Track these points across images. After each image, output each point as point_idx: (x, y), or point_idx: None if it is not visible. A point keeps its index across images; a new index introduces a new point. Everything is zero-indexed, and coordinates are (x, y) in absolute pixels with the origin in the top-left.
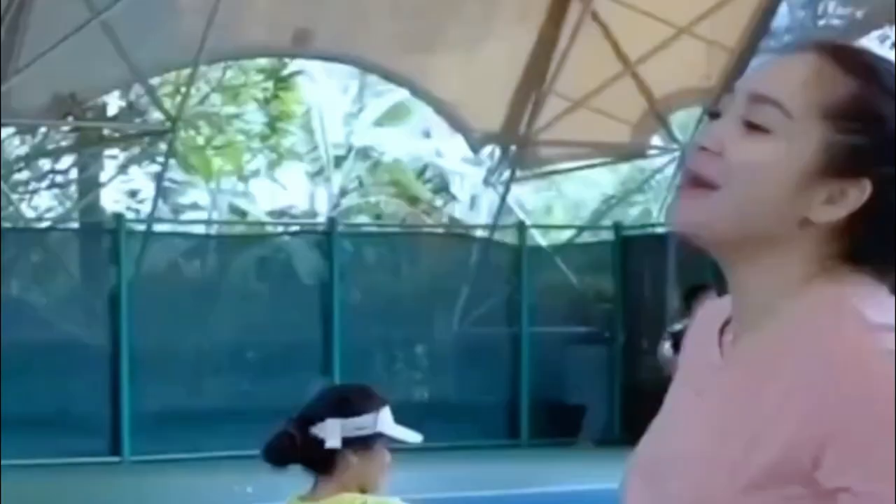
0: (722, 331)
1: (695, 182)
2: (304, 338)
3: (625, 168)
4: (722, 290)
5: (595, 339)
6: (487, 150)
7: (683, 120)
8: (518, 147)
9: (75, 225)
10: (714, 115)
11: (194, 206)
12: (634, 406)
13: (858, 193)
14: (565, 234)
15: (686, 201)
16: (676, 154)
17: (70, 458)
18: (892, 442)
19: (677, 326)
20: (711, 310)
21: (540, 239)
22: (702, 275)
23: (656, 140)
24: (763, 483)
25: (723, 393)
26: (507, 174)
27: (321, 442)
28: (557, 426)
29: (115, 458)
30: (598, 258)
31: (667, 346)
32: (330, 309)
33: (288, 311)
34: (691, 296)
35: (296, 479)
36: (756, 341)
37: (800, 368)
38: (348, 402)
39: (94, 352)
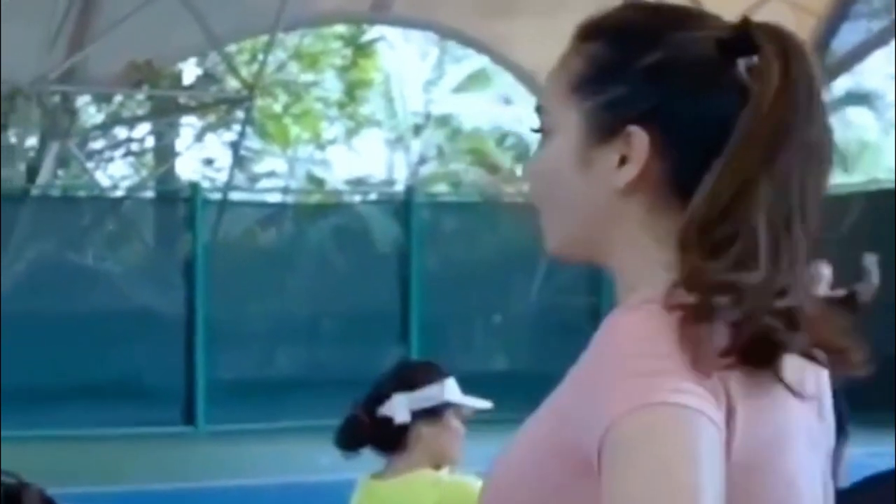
0: None
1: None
2: (381, 307)
3: None
4: None
5: None
6: None
7: None
8: None
9: (151, 194)
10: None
11: (271, 175)
12: None
13: (638, 139)
14: None
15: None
16: None
17: (144, 427)
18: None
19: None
20: None
21: None
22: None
23: None
24: (569, 483)
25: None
26: None
27: (390, 420)
28: None
29: (189, 428)
30: None
31: None
32: (407, 278)
33: (365, 281)
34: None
35: (369, 452)
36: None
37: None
38: (411, 375)
39: (169, 321)
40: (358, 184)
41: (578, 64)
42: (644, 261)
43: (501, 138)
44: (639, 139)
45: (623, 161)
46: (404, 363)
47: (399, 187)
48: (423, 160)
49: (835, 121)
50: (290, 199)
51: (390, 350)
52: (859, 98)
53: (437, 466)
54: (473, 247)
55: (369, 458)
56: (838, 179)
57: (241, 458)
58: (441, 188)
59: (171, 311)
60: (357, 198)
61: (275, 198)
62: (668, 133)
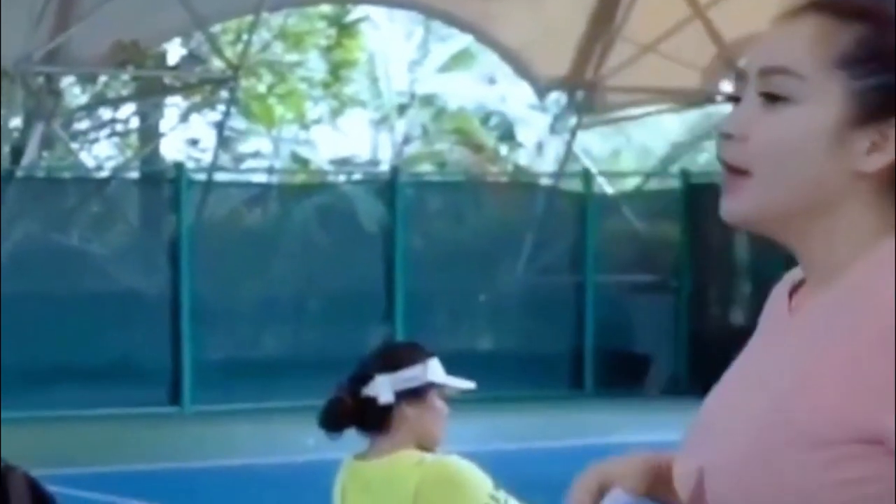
0: (792, 294)
1: (731, 171)
2: (366, 287)
3: (693, 114)
4: None
5: (661, 288)
6: (553, 96)
7: None
8: (585, 93)
9: (136, 174)
10: (734, 99)
11: (256, 155)
12: (701, 356)
13: None
14: (632, 182)
15: (727, 194)
16: None
17: (130, 408)
18: None
19: None
20: (788, 277)
21: (606, 186)
22: None
23: (726, 86)
24: (830, 438)
25: (787, 349)
26: (573, 121)
27: (374, 400)
28: (622, 376)
29: (175, 409)
30: (664, 206)
31: None
32: (392, 258)
33: (350, 260)
34: None
35: (354, 432)
36: (822, 301)
37: (855, 327)
38: (395, 356)
39: (155, 302)
40: (343, 164)
41: (846, 42)
42: (859, 236)
43: (486, 118)
44: None
45: (874, 147)
46: (388, 344)
47: (384, 167)
48: (407, 140)
49: None
50: (274, 179)
51: (375, 329)
52: None
53: (421, 447)
54: (458, 226)
55: (355, 438)
56: None
57: (228, 438)
58: (426, 168)
59: (157, 292)
60: (342, 178)
61: (260, 178)
62: None
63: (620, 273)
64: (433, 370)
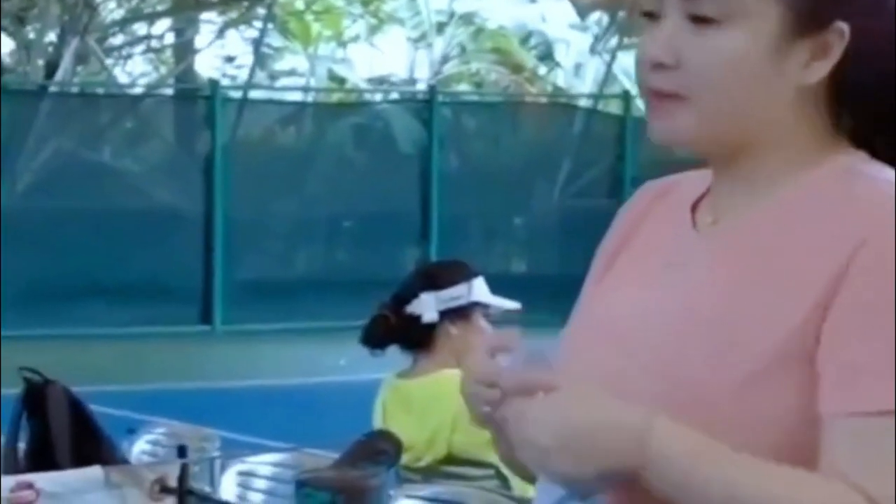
0: (693, 210)
1: (658, 96)
2: (401, 207)
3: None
4: None
5: None
6: (594, 16)
7: None
8: (626, 13)
9: (170, 91)
10: (648, 14)
11: (291, 73)
12: None
13: (840, 36)
14: None
15: (657, 119)
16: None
17: (161, 326)
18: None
19: None
20: (659, 187)
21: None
22: None
23: None
24: (770, 368)
25: (712, 267)
26: (613, 42)
27: (418, 318)
28: None
29: (207, 327)
30: None
31: None
32: (428, 178)
33: (385, 180)
34: None
35: (392, 353)
36: (757, 215)
37: (814, 235)
38: (439, 275)
39: (188, 220)
40: (380, 83)
41: None
42: (794, 150)
43: (525, 37)
44: (841, 36)
45: (814, 57)
46: (432, 263)
47: (421, 86)
48: (445, 59)
49: None
50: (310, 97)
51: (410, 251)
52: None
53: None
54: (495, 147)
55: (387, 358)
56: None
57: (259, 357)
58: (464, 87)
59: (190, 211)
60: (378, 97)
61: (295, 96)
62: (859, 36)
63: None
64: (478, 290)
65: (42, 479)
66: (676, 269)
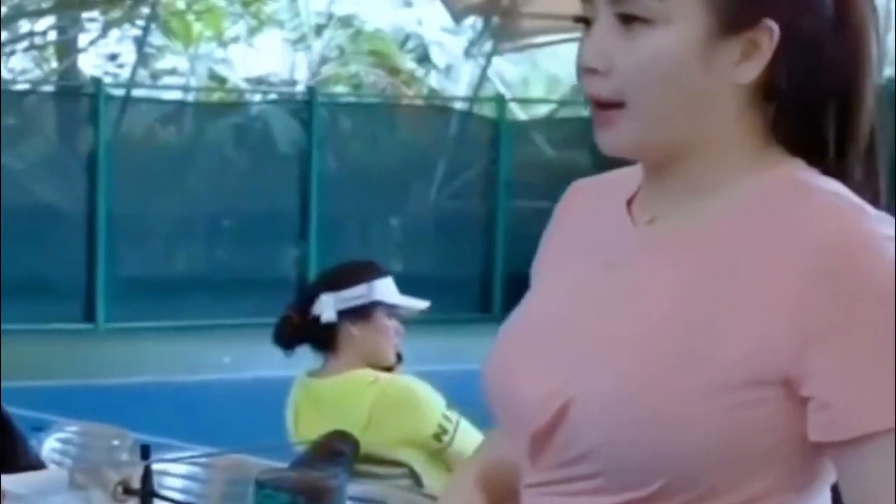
0: (628, 207)
1: (599, 105)
2: (280, 207)
3: None
4: None
5: None
6: (469, 20)
7: None
8: (500, 19)
9: (53, 88)
10: (582, 20)
11: (173, 72)
12: None
13: (769, 35)
14: (544, 109)
15: (602, 127)
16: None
17: (44, 324)
18: (892, 349)
19: None
20: (593, 187)
21: (519, 113)
22: None
23: None
24: (733, 382)
25: (658, 268)
26: (488, 46)
27: (318, 319)
28: None
29: (89, 325)
30: (576, 133)
31: None
32: (307, 178)
33: (265, 180)
34: None
35: (268, 352)
36: (702, 218)
37: (772, 248)
38: (339, 275)
39: (70, 217)
40: (259, 83)
41: None
42: (734, 150)
43: (403, 41)
44: (770, 34)
45: (744, 56)
46: (337, 264)
47: (300, 87)
48: (324, 60)
49: None
50: (191, 97)
51: (289, 250)
52: None
53: (373, 365)
54: (373, 148)
55: (274, 357)
56: None
57: (141, 355)
58: (342, 89)
59: (73, 208)
60: (258, 97)
61: (176, 95)
62: (788, 34)
63: (531, 199)
64: (380, 289)
65: (7, 480)
66: (616, 269)
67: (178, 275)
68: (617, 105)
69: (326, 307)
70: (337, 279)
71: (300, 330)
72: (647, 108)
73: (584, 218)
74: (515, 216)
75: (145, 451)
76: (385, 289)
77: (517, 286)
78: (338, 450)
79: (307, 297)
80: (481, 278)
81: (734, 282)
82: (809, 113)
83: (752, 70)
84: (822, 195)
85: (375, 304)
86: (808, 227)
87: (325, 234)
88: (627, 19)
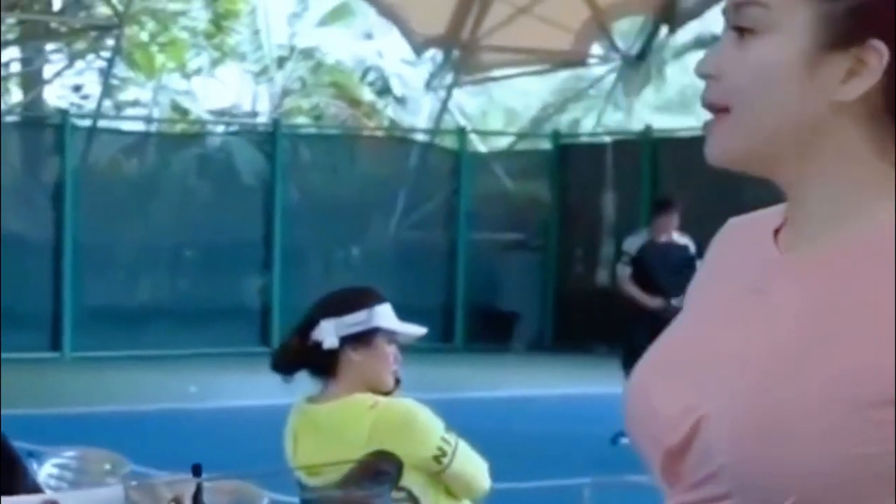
0: (776, 237)
1: (711, 110)
2: (244, 237)
3: (565, 76)
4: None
5: (530, 247)
6: (430, 53)
7: (627, 28)
8: (461, 52)
9: (18, 119)
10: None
11: (136, 103)
12: (566, 313)
13: (877, 54)
14: (504, 141)
15: (708, 137)
16: (617, 63)
17: (10, 352)
18: None
19: (635, 244)
20: (746, 221)
21: (479, 145)
22: (639, 186)
23: (597, 48)
24: (856, 401)
25: (788, 295)
26: (448, 78)
27: (319, 344)
28: (491, 331)
29: (56, 354)
30: (534, 166)
31: (623, 263)
32: (271, 209)
33: (228, 210)
34: (655, 211)
35: (234, 381)
36: (832, 246)
37: (888, 280)
38: (340, 301)
39: (37, 247)
40: (222, 115)
41: None
42: (864, 173)
43: (363, 73)
44: (878, 54)
45: (851, 73)
46: (338, 290)
47: (262, 119)
48: (286, 92)
49: (680, 66)
50: (154, 128)
51: (252, 280)
52: (708, 43)
53: (373, 390)
54: (335, 179)
55: (240, 386)
56: (687, 123)
57: (107, 383)
58: (303, 120)
59: (39, 237)
60: (221, 128)
61: (141, 126)
62: None
63: (491, 231)
64: (380, 315)
65: (66, 497)
66: (759, 294)
67: (143, 304)
68: (724, 110)
69: (328, 333)
70: (338, 305)
71: (300, 356)
72: (750, 114)
73: (736, 249)
74: (476, 247)
75: (197, 470)
76: (385, 315)
77: (478, 316)
78: (382, 469)
79: (307, 323)
80: (443, 308)
81: (860, 303)
82: None
83: (858, 88)
84: None
85: (376, 330)
86: None
87: (289, 263)
88: (742, 31)
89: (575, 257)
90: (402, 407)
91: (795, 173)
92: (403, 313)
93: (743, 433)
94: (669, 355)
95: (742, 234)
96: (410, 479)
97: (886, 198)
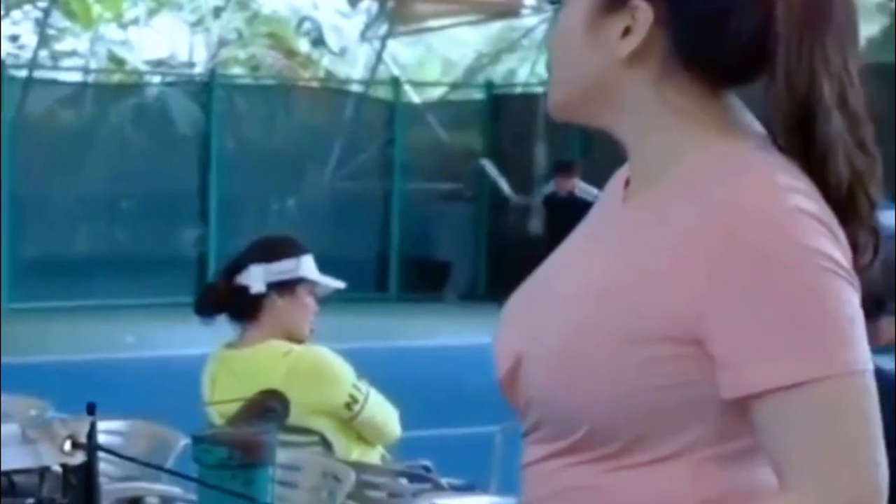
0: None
1: (548, 72)
2: (179, 187)
3: (498, 26)
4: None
5: (464, 197)
6: (365, 4)
7: None
8: (395, 2)
9: None
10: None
11: (73, 54)
12: (498, 263)
13: (643, 12)
14: (438, 92)
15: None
16: (549, 13)
17: None
18: (789, 313)
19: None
20: (617, 175)
21: (413, 95)
22: (570, 136)
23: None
24: (649, 337)
25: (617, 235)
26: (383, 29)
27: (246, 288)
28: (425, 281)
29: None
30: (469, 116)
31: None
32: (206, 159)
33: (165, 161)
34: (555, 172)
35: (171, 331)
36: (650, 194)
37: (700, 218)
38: (270, 248)
39: None
40: (158, 65)
41: None
42: (665, 123)
43: (299, 23)
44: (643, 12)
45: (627, 32)
46: (265, 237)
47: (199, 69)
48: (222, 43)
49: None
50: (91, 78)
51: (188, 231)
52: None
53: (289, 338)
54: (271, 130)
55: (176, 336)
56: None
57: (46, 336)
58: (239, 71)
59: None
60: (157, 79)
61: (77, 77)
62: (674, 7)
63: (426, 181)
64: (306, 266)
65: None
66: (595, 241)
67: (80, 255)
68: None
69: (256, 278)
70: (267, 251)
71: (225, 299)
72: (559, 71)
73: (602, 199)
74: (410, 197)
75: (91, 409)
76: (309, 266)
77: (413, 266)
78: (269, 407)
79: (235, 267)
80: (377, 258)
81: (659, 250)
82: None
83: (628, 45)
84: (744, 170)
85: (300, 280)
86: (721, 200)
87: (224, 214)
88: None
89: (507, 207)
90: (315, 355)
91: (615, 126)
92: (338, 263)
93: (545, 369)
94: (515, 298)
95: (611, 184)
96: (323, 425)
97: (695, 151)
